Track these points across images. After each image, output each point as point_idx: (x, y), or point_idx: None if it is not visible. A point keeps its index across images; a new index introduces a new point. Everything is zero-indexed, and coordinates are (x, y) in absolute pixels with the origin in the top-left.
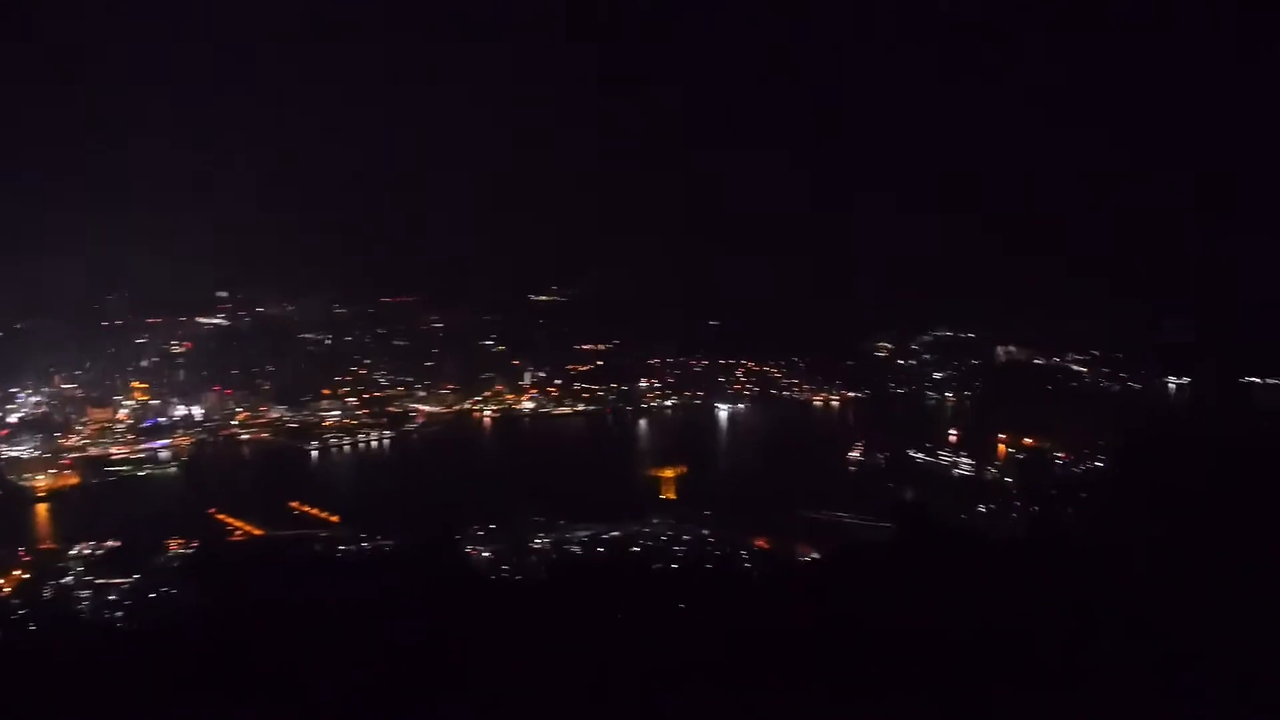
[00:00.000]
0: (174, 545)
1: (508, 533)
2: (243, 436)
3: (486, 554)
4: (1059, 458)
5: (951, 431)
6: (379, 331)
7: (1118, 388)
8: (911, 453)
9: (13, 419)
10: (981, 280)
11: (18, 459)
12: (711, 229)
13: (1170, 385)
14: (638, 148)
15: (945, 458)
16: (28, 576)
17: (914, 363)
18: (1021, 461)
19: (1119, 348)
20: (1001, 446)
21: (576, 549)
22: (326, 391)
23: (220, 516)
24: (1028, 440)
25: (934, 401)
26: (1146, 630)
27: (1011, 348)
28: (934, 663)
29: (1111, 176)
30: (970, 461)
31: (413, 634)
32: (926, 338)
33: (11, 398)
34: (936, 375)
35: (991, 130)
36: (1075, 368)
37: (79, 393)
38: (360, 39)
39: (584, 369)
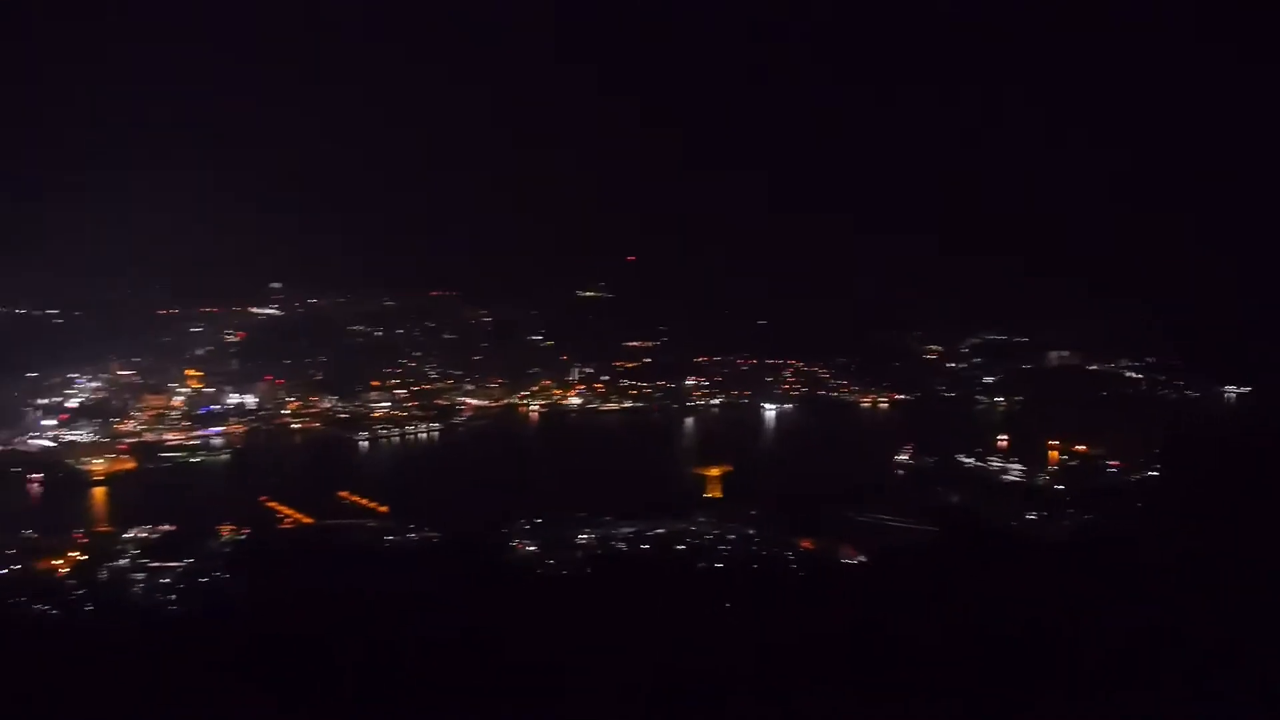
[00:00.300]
0: (226, 531)
1: (552, 528)
2: (294, 426)
3: (531, 548)
4: (1111, 466)
5: (1001, 436)
6: (428, 325)
7: (1174, 395)
8: (960, 457)
9: (72, 404)
10: (1030, 283)
11: (76, 443)
12: (756, 228)
13: (1228, 394)
14: (673, 148)
15: (994, 463)
16: (84, 559)
17: (964, 365)
18: (1073, 469)
19: (1174, 354)
20: (1053, 453)
21: (621, 545)
22: (376, 383)
23: (271, 504)
24: (1079, 447)
25: (984, 405)
26: (1189, 639)
27: (1064, 352)
28: (978, 669)
29: (1163, 179)
30: (1020, 467)
31: (456, 628)
32: (977, 340)
33: (70, 383)
34: (987, 379)
35: (1036, 131)
36: (1129, 374)
37: (136, 379)
38: (407, 35)
39: (631, 366)
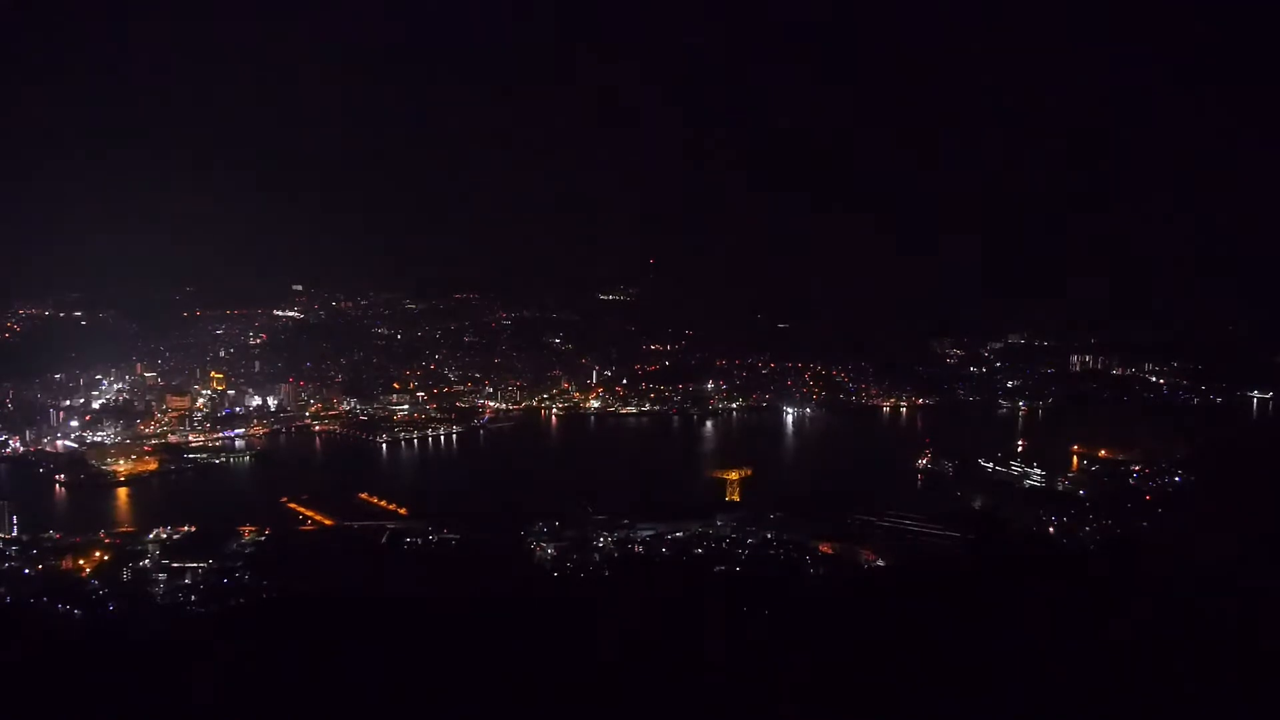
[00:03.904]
0: (246, 532)
1: (572, 529)
2: (315, 428)
3: (550, 550)
4: (1135, 471)
5: (1020, 441)
6: (449, 327)
7: (1197, 400)
8: (981, 461)
9: (96, 405)
10: (1054, 287)
11: (100, 444)
12: (781, 233)
13: (1253, 398)
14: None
15: (1015, 468)
16: (107, 558)
17: (985, 370)
18: (1095, 474)
19: (1198, 359)
20: (1075, 458)
21: (640, 548)
22: (397, 385)
23: (291, 505)
24: (1102, 452)
25: (1006, 410)
26: (1216, 647)
27: (1087, 357)
28: (1001, 678)
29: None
30: (1041, 472)
31: (472, 628)
32: (999, 344)
33: (95, 384)
34: (1010, 383)
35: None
36: (1153, 379)
37: (159, 381)
38: (441, 57)
39: (651, 369)
